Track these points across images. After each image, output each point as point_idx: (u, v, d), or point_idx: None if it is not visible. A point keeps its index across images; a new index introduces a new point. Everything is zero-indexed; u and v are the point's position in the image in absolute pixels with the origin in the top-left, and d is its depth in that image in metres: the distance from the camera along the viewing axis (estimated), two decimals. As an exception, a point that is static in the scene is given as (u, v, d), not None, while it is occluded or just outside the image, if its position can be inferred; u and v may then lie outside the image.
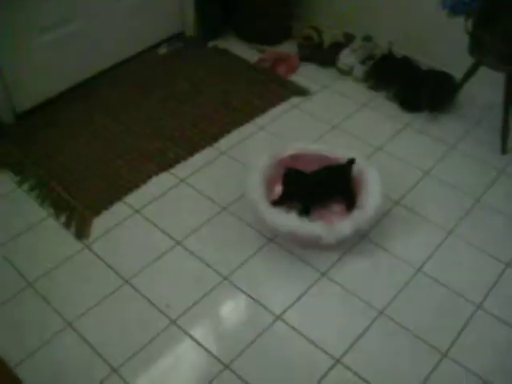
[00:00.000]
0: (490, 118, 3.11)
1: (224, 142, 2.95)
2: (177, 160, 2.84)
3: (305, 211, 2.40)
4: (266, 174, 2.48)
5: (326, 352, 2.07)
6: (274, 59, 3.51)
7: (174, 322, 2.15)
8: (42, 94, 3.14)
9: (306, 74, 3.46)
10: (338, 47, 3.49)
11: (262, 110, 3.16)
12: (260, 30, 3.69)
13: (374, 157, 2.83)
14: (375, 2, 3.48)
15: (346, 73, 3.43)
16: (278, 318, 2.18)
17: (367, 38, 3.47)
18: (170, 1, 3.62)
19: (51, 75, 3.12)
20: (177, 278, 2.31)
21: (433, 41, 3.32)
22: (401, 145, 2.96)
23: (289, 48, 3.65)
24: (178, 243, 2.44)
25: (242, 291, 2.27)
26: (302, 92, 3.30)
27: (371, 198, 2.38)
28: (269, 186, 2.48)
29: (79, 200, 2.62)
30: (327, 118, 3.12)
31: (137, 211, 2.57)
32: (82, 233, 2.48)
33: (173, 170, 2.78)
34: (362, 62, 3.37)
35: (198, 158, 2.85)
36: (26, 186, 2.70)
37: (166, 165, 2.81)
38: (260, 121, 3.09)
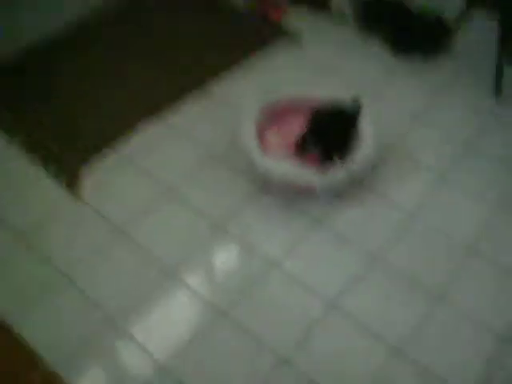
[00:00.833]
0: (482, 62, 3.07)
1: (214, 87, 2.90)
2: (167, 107, 2.79)
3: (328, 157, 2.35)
4: (258, 119, 2.45)
5: (321, 297, 2.09)
6: (263, 1, 3.43)
7: (169, 271, 2.16)
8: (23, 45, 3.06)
9: (297, 17, 3.38)
10: (329, -11, 3.42)
11: (252, 54, 3.10)
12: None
13: (366, 101, 2.78)
14: None
15: (338, 15, 3.36)
16: (274, 264, 2.18)
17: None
18: None
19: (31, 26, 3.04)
20: (171, 227, 2.31)
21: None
22: (392, 89, 2.93)
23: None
24: (171, 191, 2.42)
25: (237, 239, 2.27)
26: (292, 35, 3.24)
27: (364, 143, 2.36)
28: (260, 131, 2.44)
29: (69, 151, 2.58)
30: (318, 61, 3.07)
31: (127, 159, 2.55)
32: (72, 183, 2.45)
33: (163, 117, 2.74)
34: (354, 4, 3.31)
35: (189, 104, 2.81)
36: (14, 142, 2.64)
37: (156, 111, 2.76)
38: (250, 65, 3.03)
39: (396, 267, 2.19)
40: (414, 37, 3.10)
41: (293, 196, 2.41)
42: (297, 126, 2.55)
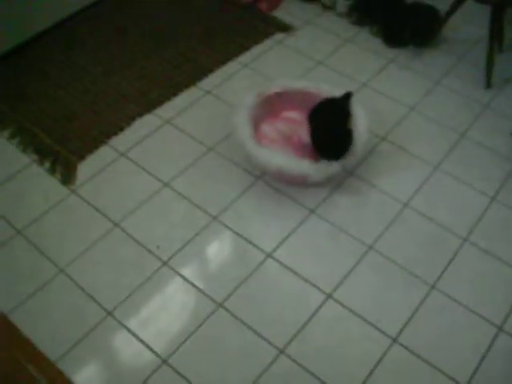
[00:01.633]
0: (474, 53, 3.09)
1: (208, 82, 2.90)
2: (160, 101, 2.79)
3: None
4: (252, 112, 2.45)
5: (317, 288, 2.11)
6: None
7: (165, 263, 2.17)
8: (18, 36, 3.04)
9: (289, 10, 3.38)
10: (320, -19, 3.42)
11: (245, 48, 3.10)
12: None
13: (359, 93, 2.80)
14: None
15: (330, 8, 3.37)
16: (269, 256, 2.20)
17: (350, -29, 3.40)
18: None
19: (26, 17, 3.02)
20: (166, 220, 2.31)
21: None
22: (386, 80, 2.94)
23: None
24: (166, 185, 2.43)
25: (232, 230, 2.28)
26: (285, 28, 3.24)
27: (357, 134, 2.37)
28: (255, 124, 2.45)
29: (63, 145, 2.58)
30: (311, 54, 3.07)
31: (122, 154, 2.55)
32: (67, 178, 2.45)
33: (157, 111, 2.74)
34: (346, -4, 3.32)
35: (182, 98, 2.81)
36: (6, 134, 2.64)
37: (150, 106, 2.77)
38: (243, 58, 3.04)
39: (390, 257, 2.20)
40: (406, 28, 3.10)
41: (287, 187, 2.42)
42: (292, 118, 2.57)
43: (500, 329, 2.02)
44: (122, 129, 2.66)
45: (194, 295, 2.09)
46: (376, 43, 3.17)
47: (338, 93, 2.46)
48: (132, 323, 2.01)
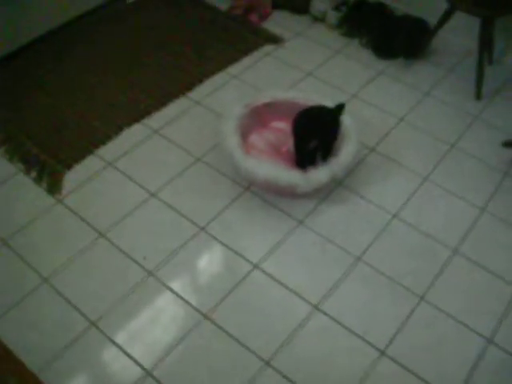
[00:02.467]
0: (464, 65, 3.10)
1: (197, 92, 2.89)
2: (149, 111, 2.78)
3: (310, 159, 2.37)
4: (241, 122, 2.44)
5: (304, 299, 2.08)
6: (246, 6, 3.43)
7: (151, 273, 2.14)
8: (8, 44, 3.03)
9: (279, 21, 3.39)
10: (310, -7, 3.43)
11: (235, 59, 3.10)
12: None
13: (349, 104, 2.79)
14: None
15: (320, 19, 3.37)
16: (256, 266, 2.18)
17: (340, -17, 3.42)
18: None
19: (17, 25, 3.01)
20: (153, 230, 2.29)
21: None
22: (375, 91, 2.94)
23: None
24: (153, 195, 2.41)
25: (219, 241, 2.26)
26: (275, 39, 3.24)
27: (346, 145, 2.36)
28: (243, 134, 2.44)
29: (50, 154, 2.56)
30: (301, 65, 3.07)
31: (110, 164, 2.53)
32: (54, 187, 2.43)
33: (145, 121, 2.73)
34: (336, 8, 3.32)
35: (171, 109, 2.80)
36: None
37: (138, 116, 2.75)
38: (233, 69, 3.03)
39: (378, 268, 2.19)
40: (396, 40, 3.10)
41: (276, 197, 2.40)
42: (280, 128, 2.56)
43: (489, 341, 2.00)
44: (110, 138, 2.65)
45: (180, 306, 2.07)
46: (366, 55, 3.17)
47: (326, 103, 2.45)
48: (116, 334, 1.98)
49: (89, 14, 3.36)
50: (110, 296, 2.08)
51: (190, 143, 2.62)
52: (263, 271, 2.16)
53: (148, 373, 1.88)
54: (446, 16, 2.90)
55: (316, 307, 2.06)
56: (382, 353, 1.95)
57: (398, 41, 3.10)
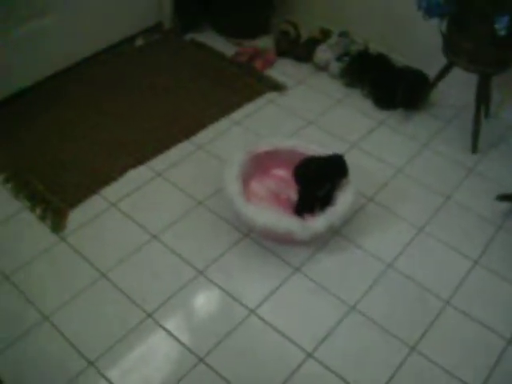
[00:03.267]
0: (461, 118, 3.18)
1: (200, 137, 2.96)
2: (153, 153, 2.85)
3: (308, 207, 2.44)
4: (242, 169, 2.50)
5: (298, 346, 2.12)
6: (251, 53, 3.52)
7: (150, 315, 2.18)
8: (11, 86, 3.11)
9: (283, 69, 3.48)
10: (314, 43, 3.52)
11: (238, 105, 3.18)
12: (236, 23, 3.70)
13: (349, 153, 2.87)
14: (352, -2, 3.52)
15: (322, 69, 3.46)
16: (252, 312, 2.22)
17: (343, 34, 3.51)
18: (147, -8, 3.62)
19: (21, 68, 3.10)
20: (153, 272, 2.34)
21: (408, 39, 3.37)
22: (375, 142, 3.01)
23: (265, 42, 3.67)
24: (154, 237, 2.46)
25: (217, 286, 2.30)
26: (278, 87, 3.33)
27: (344, 194, 2.42)
28: (245, 181, 2.50)
29: (55, 193, 2.62)
30: (303, 113, 3.15)
31: (113, 204, 2.59)
32: (57, 226, 2.48)
33: (149, 163, 2.80)
34: (338, 59, 3.41)
35: (175, 152, 2.87)
36: (0, 178, 2.68)
37: (143, 158, 2.82)
38: (236, 116, 3.11)
39: (372, 317, 2.23)
40: (396, 91, 3.18)
41: (274, 244, 2.45)
42: (280, 176, 2.63)
43: (479, 394, 2.04)
44: (114, 179, 2.71)
45: (176, 349, 2.10)
46: (367, 105, 3.25)
47: (327, 152, 2.51)
48: (114, 374, 2.01)
49: (96, 55, 3.44)
50: (108, 336, 2.11)
51: (192, 187, 2.68)
52: (259, 317, 2.20)
53: (142, 415, 1.92)
54: (445, 70, 2.98)
55: (310, 354, 2.10)
56: (373, 402, 1.99)
57: (399, 92, 3.17)
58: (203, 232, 2.50)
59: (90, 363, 2.03)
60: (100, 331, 2.13)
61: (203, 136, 2.97)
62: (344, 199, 2.41)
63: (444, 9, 2.60)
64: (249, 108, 3.17)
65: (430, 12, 2.63)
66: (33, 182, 2.66)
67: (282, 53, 3.58)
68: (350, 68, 3.37)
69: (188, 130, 2.99)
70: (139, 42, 3.62)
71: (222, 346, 2.11)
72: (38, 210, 2.55)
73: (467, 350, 2.16)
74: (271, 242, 2.46)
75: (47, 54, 3.16)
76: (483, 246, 2.53)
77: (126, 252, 2.40)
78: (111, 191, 2.65)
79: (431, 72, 3.13)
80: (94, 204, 2.59)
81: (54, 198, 2.59)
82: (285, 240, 2.43)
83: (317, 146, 2.61)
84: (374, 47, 3.46)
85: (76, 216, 2.54)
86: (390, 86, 3.23)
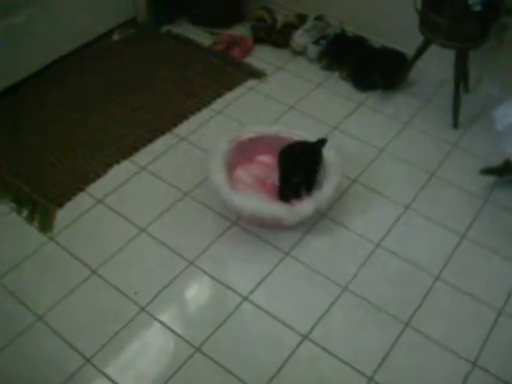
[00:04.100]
0: (441, 95, 3.20)
1: (183, 128, 2.96)
2: (136, 147, 2.84)
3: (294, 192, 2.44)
4: (227, 157, 2.50)
5: (293, 329, 2.14)
6: (228, 42, 3.52)
7: (143, 308, 2.19)
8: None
9: (261, 56, 3.48)
10: (290, 28, 3.52)
11: (219, 94, 3.18)
12: (211, 13, 3.69)
13: (331, 136, 2.86)
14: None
15: (300, 53, 3.47)
16: (245, 298, 2.23)
17: (319, 18, 3.51)
18: (121, -14, 3.59)
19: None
20: (144, 266, 2.34)
21: (384, 19, 3.37)
22: (356, 123, 3.03)
23: (242, 30, 3.66)
24: (143, 231, 2.46)
25: (208, 275, 2.31)
26: (257, 74, 3.33)
27: (329, 177, 2.43)
28: (230, 169, 2.50)
29: (41, 193, 2.61)
30: (283, 99, 3.16)
31: (100, 201, 2.58)
32: (45, 226, 2.48)
33: (133, 158, 2.79)
34: (315, 42, 3.41)
35: (158, 145, 2.86)
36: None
37: (126, 153, 2.81)
38: (217, 105, 3.11)
39: (364, 297, 2.25)
40: (375, 72, 3.19)
41: (262, 230, 2.46)
42: (265, 162, 2.63)
43: (474, 364, 2.06)
44: (99, 175, 2.70)
45: (171, 340, 2.11)
46: (346, 87, 3.26)
47: (309, 137, 2.53)
48: (111, 370, 2.02)
49: (73, 53, 3.41)
50: (103, 332, 2.11)
51: (177, 179, 2.68)
52: (252, 303, 2.22)
53: (142, 407, 1.93)
54: (423, 48, 2.99)
55: (305, 336, 2.11)
56: (370, 379, 2.01)
57: (377, 73, 3.18)
58: (191, 222, 2.51)
59: (87, 360, 2.03)
60: (95, 328, 2.14)
61: (185, 127, 2.97)
62: (329, 182, 2.41)
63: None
64: (229, 97, 3.17)
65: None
66: (17, 184, 2.64)
67: (259, 40, 3.57)
68: (327, 51, 3.38)
69: (170, 122, 2.98)
70: (116, 37, 3.60)
71: (217, 334, 2.12)
72: (25, 212, 2.54)
73: (460, 323, 2.19)
74: (259, 228, 2.47)
75: (20, 55, 3.12)
76: (470, 220, 2.55)
77: (115, 247, 2.39)
78: (97, 188, 2.64)
79: (409, 51, 3.14)
80: (80, 202, 2.58)
81: (41, 198, 2.58)
82: (273, 225, 2.44)
83: (300, 131, 2.61)
84: (351, 29, 3.47)
85: (63, 215, 2.53)
86: (368, 67, 3.24)
